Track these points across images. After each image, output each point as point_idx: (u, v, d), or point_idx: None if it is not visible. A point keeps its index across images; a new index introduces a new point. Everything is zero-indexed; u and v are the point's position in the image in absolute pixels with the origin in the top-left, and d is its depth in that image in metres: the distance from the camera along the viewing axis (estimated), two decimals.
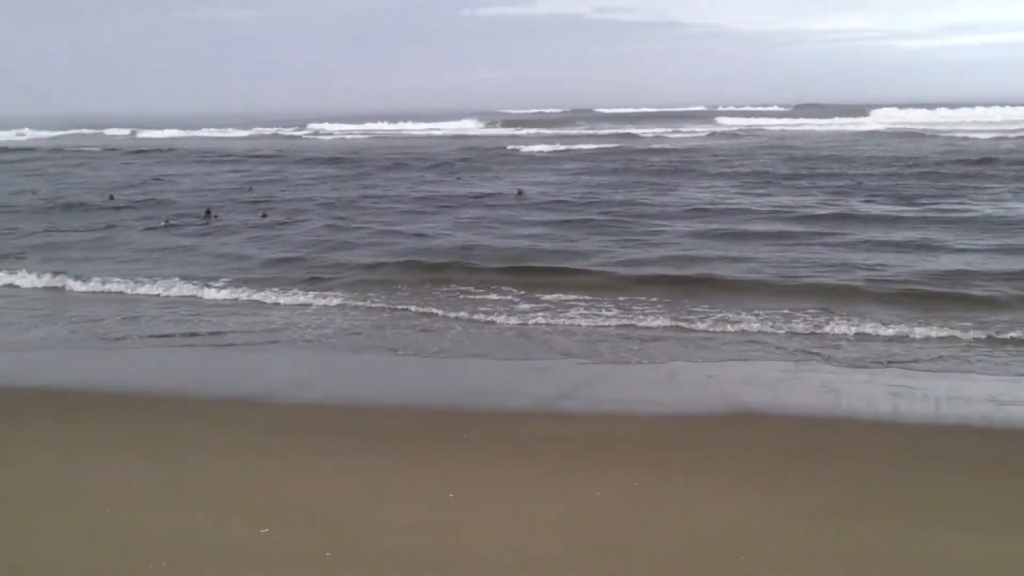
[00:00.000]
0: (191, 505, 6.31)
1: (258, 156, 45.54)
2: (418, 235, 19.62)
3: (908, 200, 23.62)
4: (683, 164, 35.88)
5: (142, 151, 51.35)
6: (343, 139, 68.20)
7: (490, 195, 26.79)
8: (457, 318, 12.56)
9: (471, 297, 13.80)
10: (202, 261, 17.45)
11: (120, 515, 6.10)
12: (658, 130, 67.79)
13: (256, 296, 14.09)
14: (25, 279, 15.52)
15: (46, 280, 15.37)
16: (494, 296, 13.78)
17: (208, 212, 23.64)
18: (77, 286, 15.01)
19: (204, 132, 77.44)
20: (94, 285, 15.01)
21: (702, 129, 69.02)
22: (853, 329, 11.46)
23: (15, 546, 5.68)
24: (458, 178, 32.86)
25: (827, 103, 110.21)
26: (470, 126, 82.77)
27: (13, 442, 7.87)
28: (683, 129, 69.48)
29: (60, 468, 7.14)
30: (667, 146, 49.15)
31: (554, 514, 6.19)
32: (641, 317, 12.34)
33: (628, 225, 20.56)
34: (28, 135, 77.84)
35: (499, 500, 6.48)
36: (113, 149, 53.54)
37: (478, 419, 8.39)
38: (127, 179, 34.27)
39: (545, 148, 47.44)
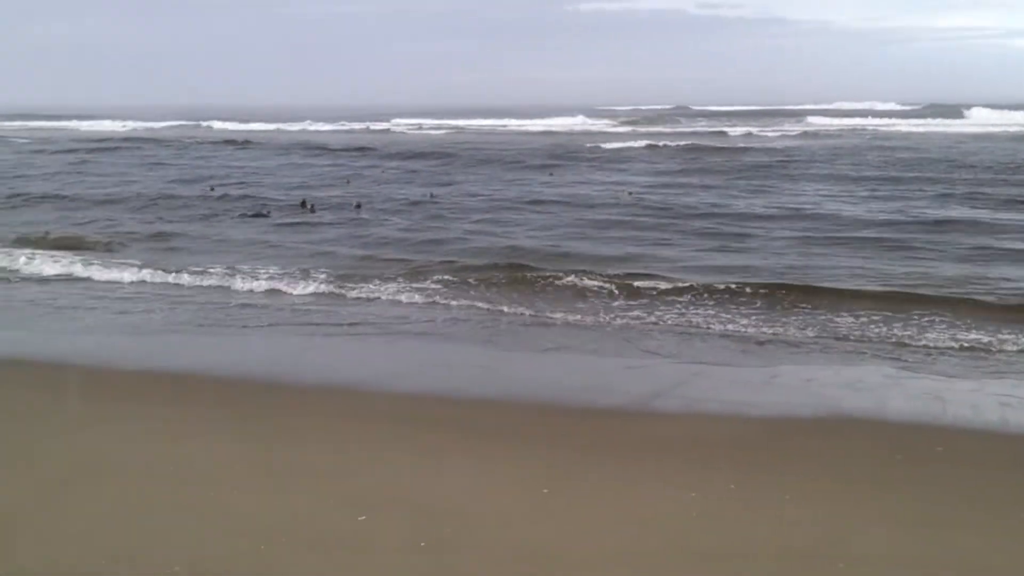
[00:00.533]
0: (291, 490, 6.43)
1: (354, 150, 46.04)
2: (511, 234, 19.67)
3: (1019, 207, 22.80)
4: (780, 164, 35.15)
5: (240, 143, 52.32)
6: (438, 134, 68.44)
7: (582, 194, 26.69)
8: (551, 316, 12.54)
9: (565, 295, 13.77)
10: (300, 252, 17.77)
11: (224, 497, 6.26)
12: (753, 128, 66.61)
13: (354, 288, 14.27)
14: (136, 270, 15.83)
15: (154, 271, 15.74)
16: (589, 295, 13.72)
17: (304, 203, 24.09)
18: (183, 277, 15.36)
19: (296, 125, 78.39)
20: (196, 275, 15.35)
21: (798, 128, 67.69)
22: (960, 337, 11.08)
23: (129, 521, 5.87)
24: (550, 174, 32.81)
25: (942, 103, 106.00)
26: (558, 122, 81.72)
27: (127, 421, 8.13)
28: (783, 127, 68.14)
29: (169, 448, 7.36)
30: (764, 145, 48.30)
31: (647, 513, 6.15)
32: (737, 319, 12.16)
33: (722, 227, 20.27)
34: (131, 125, 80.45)
35: (592, 497, 6.46)
36: (214, 142, 54.70)
37: (573, 415, 8.38)
38: (226, 171, 35.03)
39: (635, 145, 46.98)
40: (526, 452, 7.36)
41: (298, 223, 21.63)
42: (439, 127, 77.65)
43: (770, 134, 60.53)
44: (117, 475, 6.66)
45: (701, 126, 73.48)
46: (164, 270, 15.69)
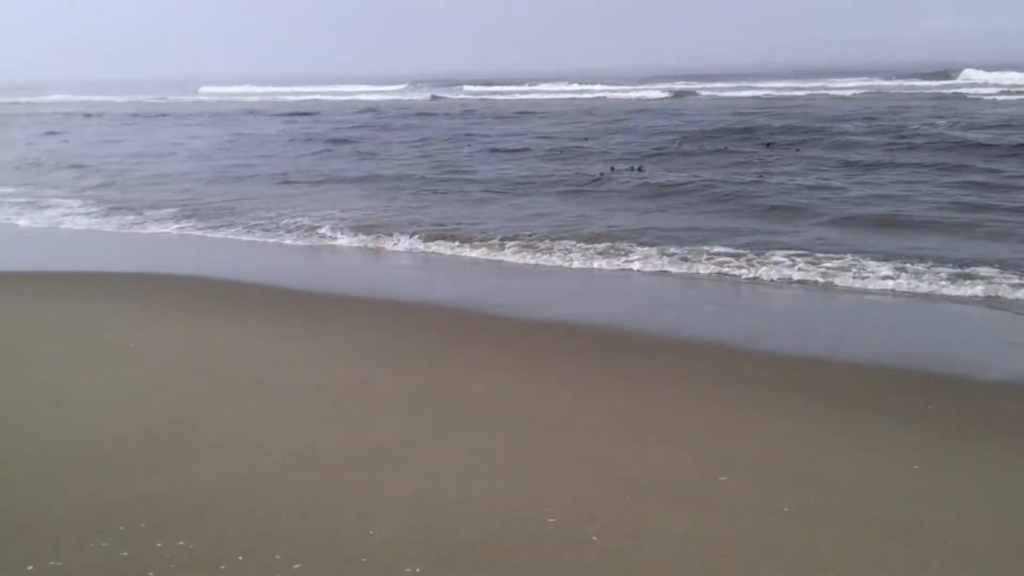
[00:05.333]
0: (649, 443, 6.55)
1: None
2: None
3: None
4: None
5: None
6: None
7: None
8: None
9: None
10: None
11: (583, 447, 6.47)
12: None
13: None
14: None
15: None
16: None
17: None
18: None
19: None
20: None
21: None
22: None
23: (502, 464, 6.19)
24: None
25: None
26: None
27: (492, 368, 8.60)
28: None
29: (527, 394, 7.73)
30: None
31: None
32: None
33: None
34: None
35: (968, 477, 6.05)
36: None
37: (946, 388, 7.89)
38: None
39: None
40: (896, 424, 7.01)
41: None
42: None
43: None
44: (488, 420, 7.06)
45: None
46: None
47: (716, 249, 13.79)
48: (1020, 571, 4.80)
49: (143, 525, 5.21)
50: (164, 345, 9.29)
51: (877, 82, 77.27)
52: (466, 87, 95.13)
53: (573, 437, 6.66)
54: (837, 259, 12.82)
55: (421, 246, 15.15)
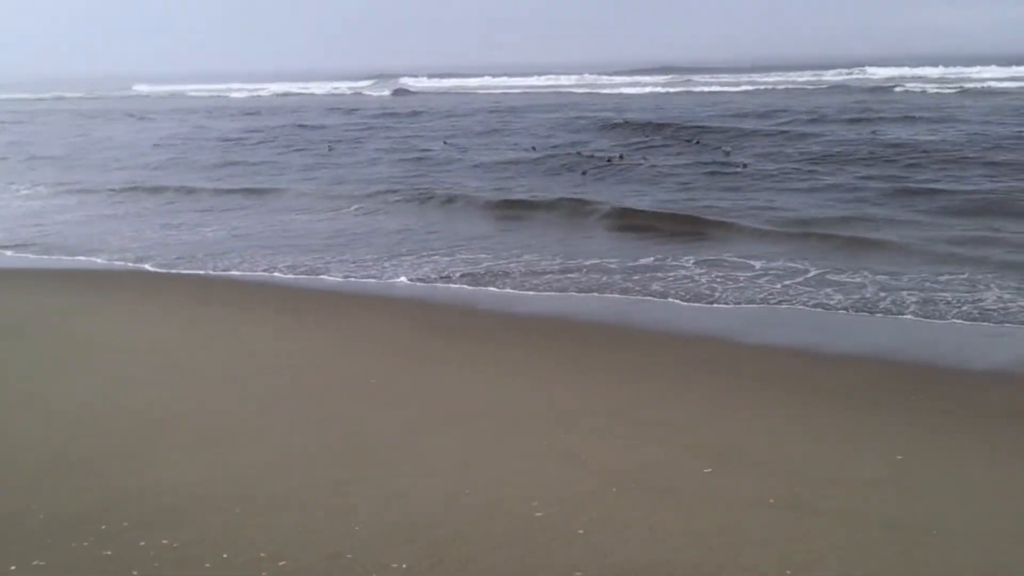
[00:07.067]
0: (642, 439, 6.52)
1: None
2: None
3: None
4: None
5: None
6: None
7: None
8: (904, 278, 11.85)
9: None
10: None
11: (579, 442, 6.46)
12: None
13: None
14: None
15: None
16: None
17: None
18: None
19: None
20: None
21: None
22: None
23: (493, 458, 6.20)
24: (873, 132, 29.26)
25: None
26: None
27: (491, 365, 8.58)
28: None
29: (527, 393, 7.68)
30: None
31: (1014, 487, 5.70)
32: None
33: None
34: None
35: (952, 468, 6.08)
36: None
37: (927, 381, 7.93)
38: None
39: None
40: (877, 416, 7.04)
41: None
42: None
43: None
44: (477, 415, 7.05)
45: None
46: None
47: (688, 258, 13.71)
48: (1004, 558, 4.83)
49: (125, 524, 5.17)
50: (149, 342, 9.23)
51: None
52: (424, 80, 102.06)
53: (561, 431, 6.65)
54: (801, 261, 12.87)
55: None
